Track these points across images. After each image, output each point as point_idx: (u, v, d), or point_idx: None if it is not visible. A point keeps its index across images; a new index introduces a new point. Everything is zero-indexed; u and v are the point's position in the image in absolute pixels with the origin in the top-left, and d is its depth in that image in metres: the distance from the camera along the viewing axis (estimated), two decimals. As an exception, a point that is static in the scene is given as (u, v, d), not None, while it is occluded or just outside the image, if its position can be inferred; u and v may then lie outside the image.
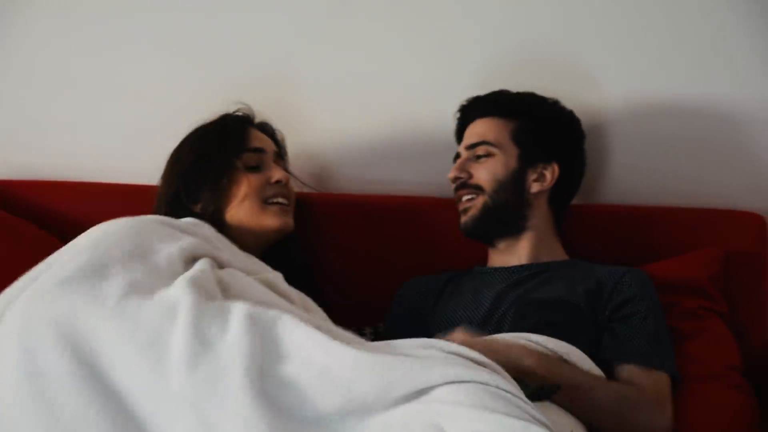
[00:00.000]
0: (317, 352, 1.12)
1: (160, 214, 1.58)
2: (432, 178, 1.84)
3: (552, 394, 1.30)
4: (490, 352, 1.31)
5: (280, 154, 1.71)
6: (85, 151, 1.93)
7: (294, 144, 1.80)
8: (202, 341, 1.11)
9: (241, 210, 1.57)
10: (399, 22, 1.88)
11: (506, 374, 1.17)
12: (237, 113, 1.69)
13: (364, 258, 1.82)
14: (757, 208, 1.81)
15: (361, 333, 1.74)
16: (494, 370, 1.16)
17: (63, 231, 1.77)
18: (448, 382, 1.09)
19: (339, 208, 1.84)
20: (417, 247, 1.83)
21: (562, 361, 1.42)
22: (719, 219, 1.79)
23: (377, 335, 1.75)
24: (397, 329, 1.65)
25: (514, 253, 1.67)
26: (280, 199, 1.61)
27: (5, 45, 1.93)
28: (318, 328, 1.16)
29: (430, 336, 1.57)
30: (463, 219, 1.67)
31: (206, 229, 1.44)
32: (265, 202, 1.58)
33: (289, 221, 1.61)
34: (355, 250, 1.82)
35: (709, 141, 1.85)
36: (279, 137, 1.74)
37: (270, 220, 1.58)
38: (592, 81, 1.85)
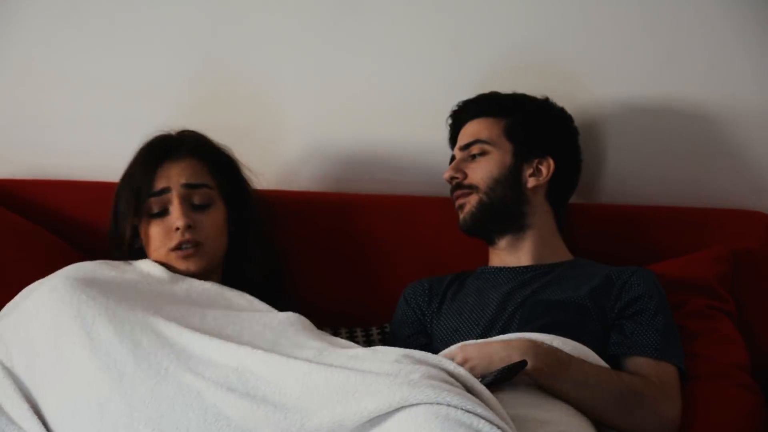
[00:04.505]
0: (267, 387, 1.18)
1: (111, 249, 1.61)
2: (432, 178, 1.84)
3: (515, 374, 1.29)
4: (483, 354, 1.32)
5: (200, 183, 1.58)
6: (90, 151, 1.92)
7: (300, 144, 1.80)
8: None
9: (153, 256, 1.56)
10: (399, 26, 1.88)
11: (464, 375, 1.17)
12: (155, 141, 1.62)
13: (366, 257, 1.81)
14: (760, 207, 1.81)
15: (368, 334, 1.74)
16: (455, 375, 1.17)
17: (68, 231, 1.79)
18: (395, 408, 1.10)
19: (341, 207, 1.84)
20: (420, 246, 1.82)
21: (567, 356, 1.41)
22: (726, 218, 1.79)
23: (384, 335, 1.74)
24: (402, 334, 1.65)
25: (517, 253, 1.67)
26: (183, 247, 1.53)
27: (12, 44, 1.91)
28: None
29: (436, 339, 1.58)
30: (461, 216, 1.67)
31: (165, 276, 1.49)
32: (168, 250, 1.54)
33: (195, 265, 1.53)
34: (357, 248, 1.81)
35: (712, 141, 1.86)
36: (213, 155, 1.64)
37: (178, 266, 1.53)
38: (594, 82, 1.85)
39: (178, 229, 1.52)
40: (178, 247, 1.53)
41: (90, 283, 1.39)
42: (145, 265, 1.52)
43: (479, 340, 1.44)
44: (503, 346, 1.37)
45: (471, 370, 1.30)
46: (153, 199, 1.55)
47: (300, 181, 1.91)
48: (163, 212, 1.55)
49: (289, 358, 1.21)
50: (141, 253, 1.58)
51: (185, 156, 1.59)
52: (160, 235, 1.54)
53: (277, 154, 1.91)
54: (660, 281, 1.58)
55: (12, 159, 1.92)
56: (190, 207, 1.55)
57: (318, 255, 1.80)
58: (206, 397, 1.20)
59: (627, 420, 1.41)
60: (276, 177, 1.87)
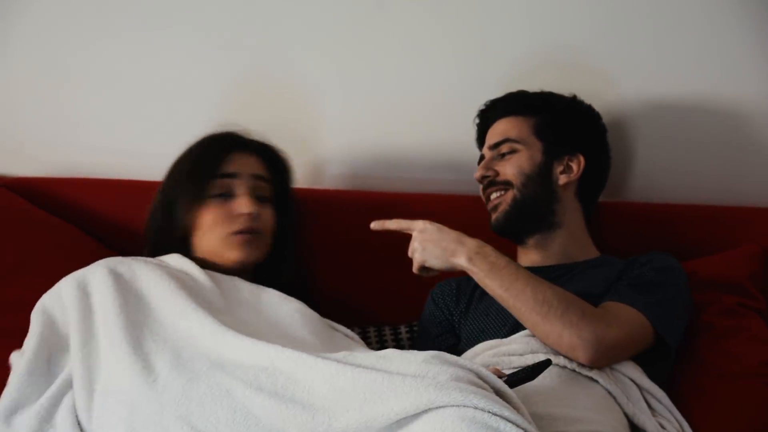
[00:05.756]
0: (296, 386, 1.18)
1: (149, 236, 1.60)
2: (460, 176, 1.85)
3: (539, 373, 1.27)
4: (437, 239, 1.46)
5: (265, 177, 1.60)
6: (123, 149, 1.94)
7: (329, 142, 1.81)
8: None
9: (204, 240, 1.53)
10: (427, 25, 1.89)
11: (492, 378, 1.15)
12: (222, 133, 1.62)
13: (394, 255, 1.80)
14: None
15: (396, 332, 1.75)
16: (483, 378, 1.15)
17: (101, 229, 1.80)
18: (422, 410, 1.09)
19: (369, 205, 1.84)
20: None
21: (505, 261, 1.44)
22: (757, 217, 1.78)
23: (413, 334, 1.75)
24: (430, 334, 1.66)
25: (545, 253, 1.66)
26: (245, 232, 1.52)
27: (45, 45, 1.93)
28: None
29: (464, 339, 1.59)
30: (494, 216, 1.67)
31: (196, 272, 1.47)
32: (229, 233, 1.52)
33: (250, 254, 1.53)
34: (385, 247, 1.80)
35: (742, 139, 1.85)
36: (274, 156, 1.65)
37: (231, 253, 1.52)
38: (622, 80, 1.85)
39: (242, 215, 1.51)
40: (239, 232, 1.51)
41: (133, 285, 1.41)
42: (176, 262, 1.51)
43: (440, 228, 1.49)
44: (456, 239, 1.45)
45: (422, 251, 1.46)
46: (218, 181, 1.53)
47: (329, 180, 1.92)
48: (227, 196, 1.53)
49: (317, 358, 1.21)
50: (182, 244, 1.55)
51: (254, 150, 1.61)
52: (221, 218, 1.52)
53: (306, 152, 1.92)
54: (691, 279, 1.57)
55: (47, 158, 1.94)
56: (255, 198, 1.56)
57: (346, 253, 1.81)
58: (235, 396, 1.21)
59: (546, 328, 1.38)
60: (305, 175, 1.89)
